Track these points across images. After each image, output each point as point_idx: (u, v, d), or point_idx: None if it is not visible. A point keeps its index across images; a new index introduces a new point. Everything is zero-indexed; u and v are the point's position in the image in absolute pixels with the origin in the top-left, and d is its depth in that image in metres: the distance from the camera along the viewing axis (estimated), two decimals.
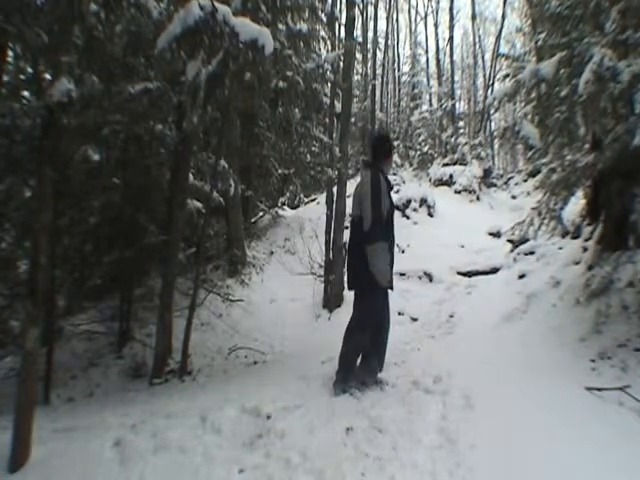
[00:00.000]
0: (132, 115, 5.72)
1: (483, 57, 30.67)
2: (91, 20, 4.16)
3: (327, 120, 10.31)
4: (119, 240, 6.80)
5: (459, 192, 14.17)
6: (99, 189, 6.58)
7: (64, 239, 6.62)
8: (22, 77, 5.55)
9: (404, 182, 15.08)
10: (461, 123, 25.78)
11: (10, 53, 5.16)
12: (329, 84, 8.61)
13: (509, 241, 9.21)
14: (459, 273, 8.72)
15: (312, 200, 14.34)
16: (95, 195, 6.64)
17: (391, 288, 3.91)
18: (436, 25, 29.62)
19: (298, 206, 14.08)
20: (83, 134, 5.83)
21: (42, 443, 2.91)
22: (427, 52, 30.63)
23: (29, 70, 5.39)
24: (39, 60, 4.89)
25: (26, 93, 5.67)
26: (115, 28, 4.67)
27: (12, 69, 5.46)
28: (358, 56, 20.58)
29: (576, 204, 6.78)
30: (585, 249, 5.96)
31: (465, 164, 16.05)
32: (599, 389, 3.54)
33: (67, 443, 3.01)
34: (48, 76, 4.47)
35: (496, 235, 10.81)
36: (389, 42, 27.18)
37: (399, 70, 30.26)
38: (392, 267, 3.89)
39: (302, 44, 6.57)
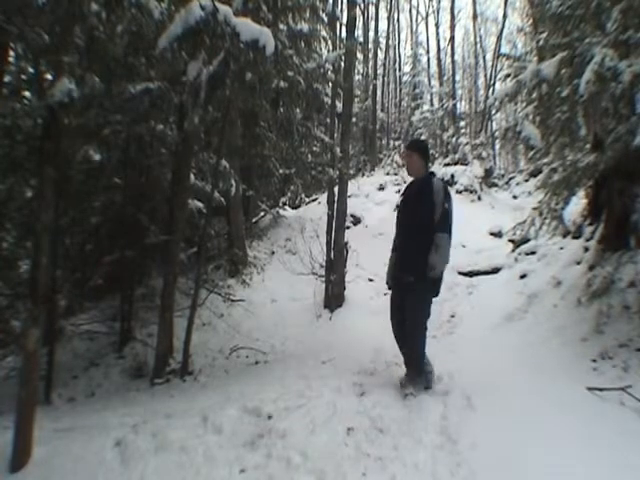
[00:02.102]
0: (133, 115, 5.71)
1: (484, 57, 30.64)
2: (92, 20, 4.15)
3: (328, 120, 10.29)
4: (120, 240, 6.80)
5: (460, 192, 14.13)
6: (100, 189, 6.60)
7: (65, 239, 6.62)
8: (23, 77, 5.54)
9: (405, 182, 15.06)
10: (462, 123, 25.84)
11: (11, 53, 5.16)
12: (330, 84, 8.59)
13: (510, 241, 9.21)
14: (460, 273, 8.71)
15: (313, 200, 14.34)
16: (96, 195, 6.65)
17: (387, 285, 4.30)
18: (437, 25, 29.70)
19: (299, 206, 14.08)
20: (84, 134, 5.84)
21: (43, 443, 2.91)
22: (428, 52, 30.67)
23: (30, 70, 5.39)
24: (40, 60, 4.89)
25: (27, 93, 5.67)
26: (116, 28, 4.66)
27: (13, 69, 5.46)
28: (359, 56, 20.61)
29: (577, 204, 6.79)
30: (586, 249, 5.95)
31: (466, 164, 16.01)
32: (600, 389, 3.54)
33: (68, 443, 3.01)
34: (49, 76, 4.48)
35: (497, 235, 10.80)
36: (390, 42, 27.19)
37: (400, 70, 30.29)
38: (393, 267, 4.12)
39: (303, 44, 6.56)
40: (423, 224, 3.81)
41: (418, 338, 3.90)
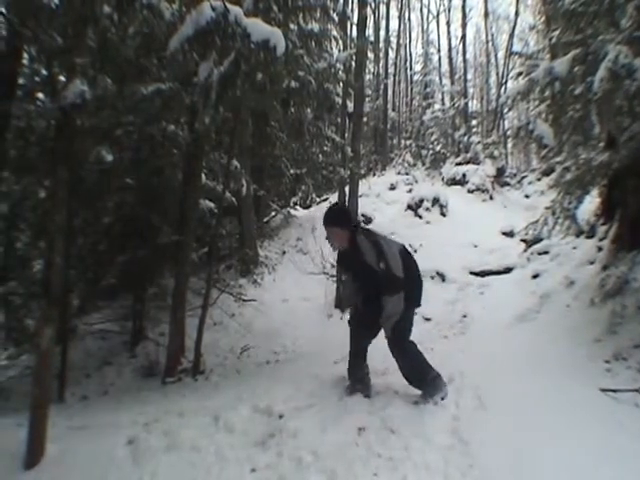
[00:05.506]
0: (145, 116, 5.76)
1: (496, 55, 30.26)
2: (104, 22, 4.19)
3: (339, 120, 10.31)
4: (132, 240, 6.85)
5: (472, 191, 14.06)
6: (112, 189, 6.64)
7: (78, 239, 6.68)
8: (37, 79, 5.61)
9: (417, 181, 15.02)
10: (474, 122, 25.62)
11: (25, 56, 5.23)
12: (341, 84, 8.61)
13: (522, 240, 9.14)
14: (472, 273, 8.66)
15: (324, 200, 14.33)
16: (109, 195, 6.69)
17: None
18: (448, 23, 29.37)
19: (310, 206, 14.09)
20: (97, 135, 5.89)
21: (56, 441, 2.94)
22: (439, 51, 30.43)
23: (44, 72, 5.45)
24: (53, 62, 4.95)
25: (41, 95, 5.74)
26: (128, 30, 4.70)
27: (27, 71, 5.53)
28: (370, 55, 20.50)
29: (591, 203, 6.72)
30: (600, 249, 5.89)
31: (478, 163, 15.92)
32: (614, 390, 3.50)
33: (81, 441, 3.04)
34: (62, 78, 4.53)
35: (509, 234, 10.72)
36: (401, 41, 27.13)
37: (411, 69, 30.09)
38: None
39: (314, 44, 6.57)
40: (368, 285, 3.69)
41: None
